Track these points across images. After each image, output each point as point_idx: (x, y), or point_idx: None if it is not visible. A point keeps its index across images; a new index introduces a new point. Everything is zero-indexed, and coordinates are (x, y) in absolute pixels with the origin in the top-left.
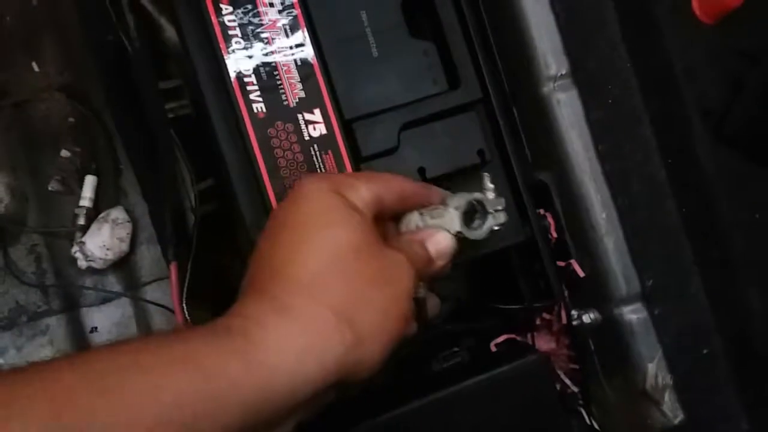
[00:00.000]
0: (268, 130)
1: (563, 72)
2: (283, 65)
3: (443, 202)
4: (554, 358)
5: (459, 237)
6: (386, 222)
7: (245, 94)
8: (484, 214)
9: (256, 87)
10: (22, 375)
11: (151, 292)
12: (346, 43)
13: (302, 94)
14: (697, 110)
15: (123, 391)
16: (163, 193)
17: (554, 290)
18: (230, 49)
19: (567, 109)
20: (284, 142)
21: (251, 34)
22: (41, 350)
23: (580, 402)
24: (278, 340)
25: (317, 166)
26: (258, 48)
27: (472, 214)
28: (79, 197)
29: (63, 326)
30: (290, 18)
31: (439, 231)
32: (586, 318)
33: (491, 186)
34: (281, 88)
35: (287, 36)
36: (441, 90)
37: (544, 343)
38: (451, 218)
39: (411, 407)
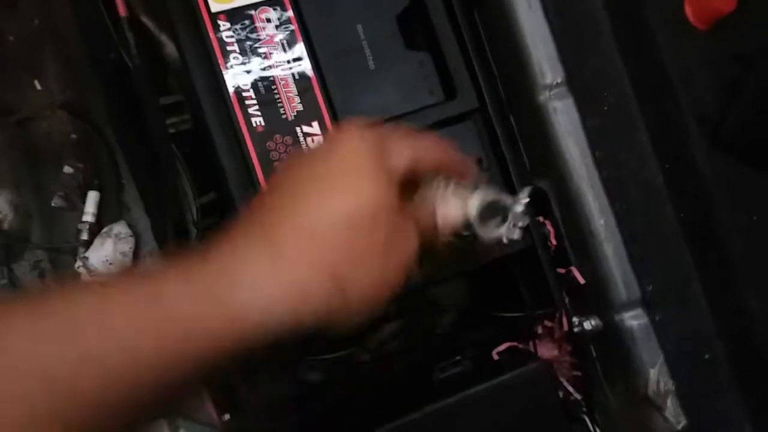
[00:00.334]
0: (267, 144)
1: (559, 80)
2: (281, 79)
3: (474, 186)
4: (557, 365)
5: (466, 226)
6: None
7: (244, 108)
8: (503, 220)
9: (255, 101)
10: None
11: None
12: (342, 56)
13: (300, 107)
14: (693, 115)
15: (79, 330)
16: (165, 208)
17: (555, 297)
18: (228, 65)
19: (563, 116)
20: (283, 154)
21: (249, 49)
22: None
23: (584, 409)
24: (255, 280)
25: None
26: (256, 63)
27: (492, 213)
28: (82, 213)
29: None
30: (287, 33)
31: (453, 207)
32: (588, 325)
33: (525, 200)
34: (279, 102)
35: (285, 50)
36: (437, 100)
37: (546, 350)
38: (471, 204)
39: (414, 417)
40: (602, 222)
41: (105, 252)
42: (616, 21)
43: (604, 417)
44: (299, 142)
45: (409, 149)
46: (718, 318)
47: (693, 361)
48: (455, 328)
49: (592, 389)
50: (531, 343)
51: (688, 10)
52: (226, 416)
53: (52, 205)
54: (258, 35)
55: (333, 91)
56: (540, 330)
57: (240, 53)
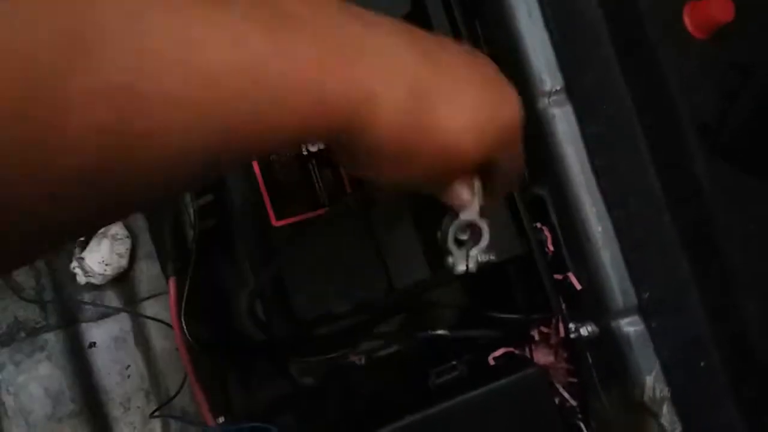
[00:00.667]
0: None
1: (558, 88)
2: None
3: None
4: (553, 371)
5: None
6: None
7: None
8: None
9: None
10: None
11: (149, 307)
12: None
13: None
14: (692, 124)
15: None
16: (162, 209)
17: (552, 303)
18: None
19: (562, 124)
20: (283, 157)
21: None
22: (39, 366)
23: (579, 416)
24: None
25: (315, 181)
26: None
27: (469, 236)
28: None
29: (61, 342)
30: None
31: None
32: (584, 331)
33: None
34: None
35: None
36: None
37: (542, 356)
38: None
39: (409, 421)
40: (600, 229)
41: (101, 253)
42: (615, 30)
43: (600, 423)
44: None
45: (512, 162)
46: (715, 325)
47: (689, 368)
48: (451, 332)
49: (588, 396)
50: (527, 349)
51: (687, 20)
52: (221, 419)
53: None
54: None
55: None
56: (536, 336)
57: None
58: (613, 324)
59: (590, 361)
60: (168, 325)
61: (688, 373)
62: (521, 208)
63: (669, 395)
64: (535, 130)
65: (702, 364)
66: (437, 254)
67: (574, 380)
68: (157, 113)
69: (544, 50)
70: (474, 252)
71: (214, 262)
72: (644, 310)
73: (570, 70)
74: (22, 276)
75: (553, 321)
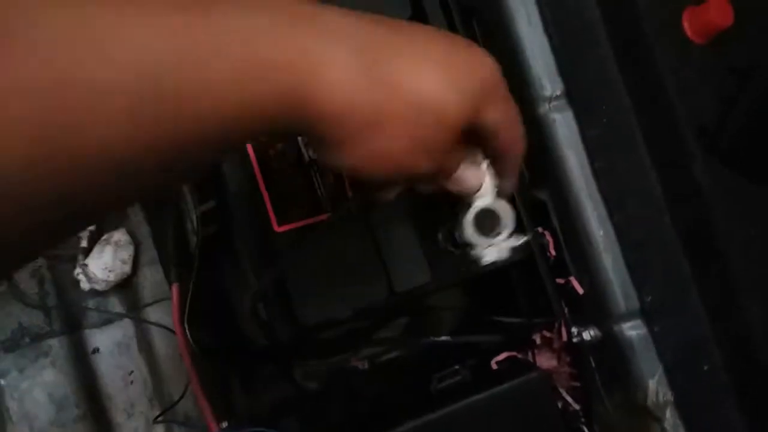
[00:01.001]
0: (269, 152)
1: (558, 93)
2: None
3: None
4: (556, 375)
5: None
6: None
7: None
8: (494, 235)
9: None
10: None
11: (152, 313)
12: None
13: None
14: (691, 127)
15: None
16: (165, 215)
17: (554, 307)
18: None
19: (563, 128)
20: (284, 163)
21: None
22: (43, 372)
23: (582, 420)
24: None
25: (317, 187)
26: None
27: (488, 223)
28: None
29: (65, 347)
30: None
31: (474, 178)
32: (586, 335)
33: (522, 239)
34: None
35: None
36: None
37: (545, 360)
38: (477, 203)
39: (412, 426)
40: (601, 232)
41: (104, 259)
42: (614, 35)
43: (603, 428)
44: (300, 151)
45: (503, 115)
46: (717, 328)
47: (692, 371)
48: (454, 337)
49: (591, 400)
50: (530, 353)
51: (686, 25)
52: (224, 424)
53: None
54: None
55: None
56: (539, 340)
57: None
58: (616, 328)
59: (593, 365)
60: (171, 330)
61: (691, 377)
62: (523, 212)
63: (672, 399)
64: (535, 135)
65: (705, 367)
66: (438, 258)
67: (577, 384)
68: (84, 105)
69: (544, 55)
70: (501, 239)
71: (217, 268)
72: (646, 314)
73: (570, 75)
74: (26, 282)
75: (556, 325)
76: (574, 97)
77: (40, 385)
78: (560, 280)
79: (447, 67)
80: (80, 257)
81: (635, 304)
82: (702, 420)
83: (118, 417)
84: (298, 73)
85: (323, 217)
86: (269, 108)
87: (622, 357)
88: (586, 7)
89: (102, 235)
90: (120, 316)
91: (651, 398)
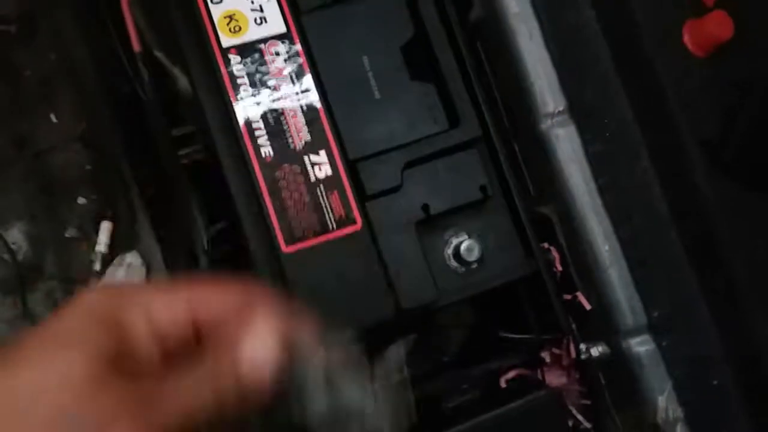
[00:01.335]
0: (276, 173)
1: (561, 108)
2: (290, 110)
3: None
4: (566, 393)
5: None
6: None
7: (253, 139)
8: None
9: (264, 132)
10: None
11: None
12: (349, 87)
13: (308, 137)
14: (694, 140)
15: None
16: (176, 237)
17: (561, 324)
18: (239, 97)
19: (566, 143)
20: (291, 183)
21: (259, 81)
22: None
23: None
24: None
25: (323, 205)
26: (265, 95)
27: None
28: (95, 243)
29: None
30: (296, 65)
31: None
32: (595, 351)
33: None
34: (288, 132)
35: (293, 83)
36: (442, 129)
37: (554, 378)
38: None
39: None
40: (607, 247)
41: (117, 282)
42: (615, 49)
43: None
44: (307, 171)
45: (149, 304)
46: (726, 343)
47: (701, 387)
48: (462, 356)
49: (602, 417)
50: (539, 371)
51: (687, 39)
52: None
53: (66, 235)
54: (267, 68)
55: (340, 120)
56: (548, 358)
57: (250, 86)
58: (624, 344)
59: (603, 382)
60: None
61: (701, 392)
62: (528, 228)
63: (682, 415)
64: (539, 150)
65: (714, 382)
66: (444, 275)
67: (588, 402)
68: None
69: (546, 71)
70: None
71: None
72: (654, 329)
73: (572, 90)
74: (41, 306)
75: (564, 342)
76: (576, 112)
77: None
78: (567, 296)
79: None
80: (93, 280)
81: (643, 319)
82: None
83: None
84: None
85: (330, 236)
86: None
87: (630, 373)
88: (587, 23)
89: (114, 258)
90: None
91: (661, 415)
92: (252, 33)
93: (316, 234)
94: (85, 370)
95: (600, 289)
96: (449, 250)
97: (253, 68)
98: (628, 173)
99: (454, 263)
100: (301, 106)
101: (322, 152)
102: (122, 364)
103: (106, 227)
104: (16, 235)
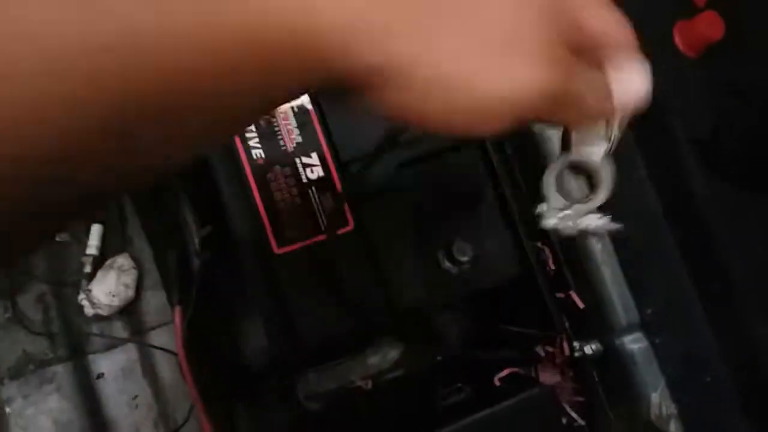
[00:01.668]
0: (267, 175)
1: None
2: (281, 113)
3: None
4: (559, 391)
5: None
6: None
7: (245, 141)
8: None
9: (255, 134)
10: None
11: (156, 337)
12: None
13: (299, 139)
14: (686, 140)
15: None
16: (167, 240)
17: (555, 322)
18: None
19: (558, 143)
20: (283, 185)
21: None
22: (48, 398)
23: None
24: None
25: (316, 207)
26: None
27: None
28: (86, 246)
29: (70, 373)
30: None
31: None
32: (588, 349)
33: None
34: (279, 135)
35: None
36: None
37: (548, 376)
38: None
39: None
40: (600, 246)
41: (108, 284)
42: None
43: None
44: (299, 172)
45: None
46: (719, 340)
47: (695, 384)
48: (456, 355)
49: (596, 414)
50: (533, 370)
51: (678, 39)
52: None
53: (57, 238)
54: None
55: (331, 122)
56: (542, 355)
57: None
58: (617, 341)
59: (596, 379)
60: (174, 354)
61: (695, 389)
62: (521, 228)
63: (676, 412)
64: (532, 149)
65: (708, 379)
66: (437, 276)
67: (581, 399)
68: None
69: None
70: (581, 207)
71: (219, 291)
72: (647, 327)
73: None
74: (31, 309)
75: (558, 340)
76: None
77: (46, 412)
78: (560, 295)
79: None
80: (84, 283)
81: (636, 317)
82: None
83: None
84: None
85: (322, 237)
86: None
87: (624, 370)
88: None
89: (105, 260)
90: (124, 341)
91: (654, 411)
92: None
93: (309, 235)
94: None
95: (593, 288)
96: (442, 251)
97: None
98: (621, 173)
99: (446, 263)
100: (293, 108)
101: (314, 154)
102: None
103: (96, 230)
104: None
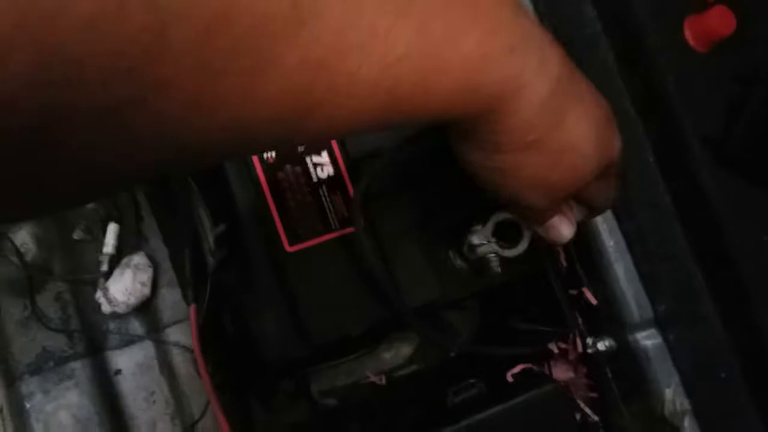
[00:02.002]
0: (278, 174)
1: None
2: None
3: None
4: (573, 387)
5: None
6: None
7: None
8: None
9: None
10: None
11: (172, 334)
12: None
13: None
14: (697, 135)
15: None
16: (182, 238)
17: (567, 318)
18: None
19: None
20: (294, 184)
21: None
22: (67, 394)
23: (601, 431)
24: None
25: (326, 206)
26: None
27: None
28: (102, 244)
29: (88, 370)
30: None
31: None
32: (601, 345)
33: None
34: None
35: None
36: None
37: (561, 372)
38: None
39: None
40: (612, 243)
41: (124, 282)
42: (616, 47)
43: None
44: (309, 171)
45: (609, 188)
46: (732, 336)
47: (709, 380)
48: (469, 350)
49: (609, 411)
50: (546, 366)
51: (688, 34)
52: None
53: (74, 237)
54: None
55: None
56: (555, 351)
57: None
58: (630, 338)
59: (609, 375)
60: (190, 350)
61: (708, 385)
62: None
63: (690, 408)
64: None
65: (722, 374)
66: (448, 273)
67: (595, 395)
68: (339, 86)
69: None
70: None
71: (232, 288)
72: (660, 323)
73: None
74: (50, 307)
75: (571, 336)
76: None
77: (65, 408)
78: (573, 291)
79: (599, 132)
80: (101, 281)
81: (649, 313)
82: (721, 428)
83: None
84: (502, 92)
85: (333, 235)
86: (463, 111)
87: (638, 367)
88: (588, 22)
89: (122, 258)
90: (141, 338)
91: (668, 408)
92: None
93: (319, 233)
94: None
95: (606, 284)
96: (453, 248)
97: None
98: (632, 168)
99: (458, 261)
100: None
101: (324, 153)
102: None
103: (113, 229)
104: (24, 238)
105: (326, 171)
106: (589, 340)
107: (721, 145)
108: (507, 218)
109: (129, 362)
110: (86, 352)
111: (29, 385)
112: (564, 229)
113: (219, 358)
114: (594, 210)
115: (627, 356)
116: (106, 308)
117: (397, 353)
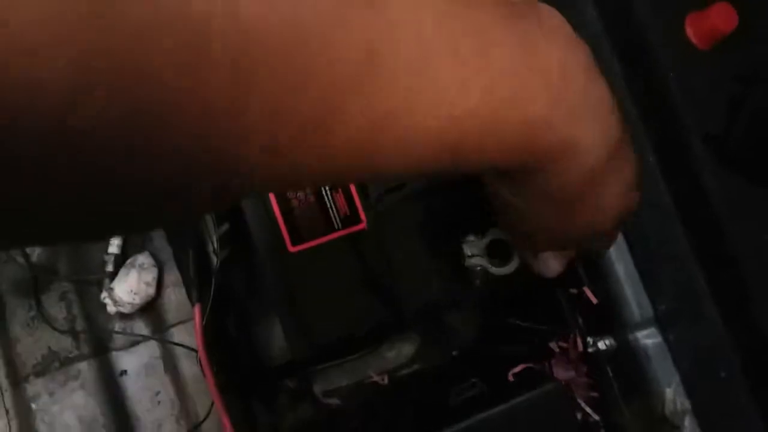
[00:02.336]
0: None
1: None
2: None
3: None
4: (574, 386)
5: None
6: None
7: None
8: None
9: None
10: None
11: (177, 334)
12: None
13: None
14: (698, 134)
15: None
16: (186, 237)
17: (568, 317)
18: None
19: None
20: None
21: None
22: (73, 395)
23: (602, 431)
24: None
25: (329, 205)
26: None
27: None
28: (107, 244)
29: (94, 370)
30: None
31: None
32: (602, 345)
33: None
34: None
35: None
36: None
37: (562, 371)
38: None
39: None
40: None
41: (129, 282)
42: (617, 45)
43: None
44: None
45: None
46: (733, 335)
47: (709, 379)
48: (470, 350)
49: (610, 410)
50: (546, 365)
51: (690, 31)
52: None
53: None
54: None
55: None
56: (555, 351)
57: None
58: (631, 337)
59: (610, 374)
60: (195, 350)
61: (709, 385)
62: None
63: (690, 407)
64: None
65: (722, 374)
66: (450, 274)
67: (596, 394)
68: (406, 136)
69: None
70: (493, 268)
71: (236, 289)
72: (661, 322)
73: None
74: (55, 308)
75: (571, 336)
76: None
77: (70, 408)
78: (574, 291)
79: (628, 194)
80: (106, 281)
81: (649, 312)
82: (722, 428)
83: None
84: (559, 150)
85: (336, 235)
86: (515, 162)
87: (638, 366)
88: (589, 21)
89: (126, 258)
90: (146, 338)
91: (669, 407)
92: None
93: (322, 233)
94: None
95: (606, 283)
96: (455, 249)
97: None
98: None
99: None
100: None
101: None
102: None
103: None
104: None
105: None
106: (590, 340)
107: (723, 144)
108: (502, 238)
109: (134, 363)
110: (92, 353)
111: (35, 386)
112: (552, 264)
113: (223, 358)
114: (589, 254)
115: (627, 355)
116: (111, 308)
117: (400, 353)
